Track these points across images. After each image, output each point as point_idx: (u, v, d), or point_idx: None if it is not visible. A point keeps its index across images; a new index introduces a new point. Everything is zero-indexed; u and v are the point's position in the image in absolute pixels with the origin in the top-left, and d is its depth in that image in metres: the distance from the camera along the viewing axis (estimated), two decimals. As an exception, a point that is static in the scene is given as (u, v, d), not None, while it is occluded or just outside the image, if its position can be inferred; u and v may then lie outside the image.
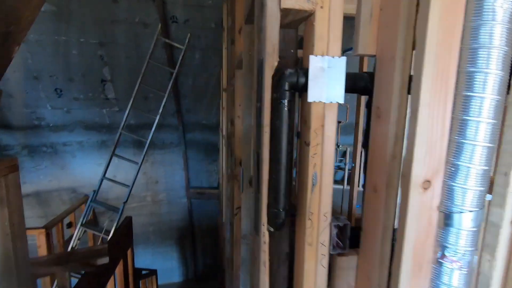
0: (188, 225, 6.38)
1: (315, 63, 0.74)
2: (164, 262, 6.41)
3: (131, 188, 3.47)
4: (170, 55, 3.79)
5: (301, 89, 0.78)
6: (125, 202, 3.39)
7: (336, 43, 0.74)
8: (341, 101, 0.77)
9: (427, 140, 0.62)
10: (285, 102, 0.77)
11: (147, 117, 4.06)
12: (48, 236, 3.71)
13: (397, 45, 0.69)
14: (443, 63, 0.60)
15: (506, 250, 0.75)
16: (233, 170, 2.16)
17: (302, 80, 0.76)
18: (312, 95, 0.76)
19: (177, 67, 3.55)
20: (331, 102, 0.77)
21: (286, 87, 0.76)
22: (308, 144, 0.79)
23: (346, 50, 3.09)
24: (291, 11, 0.71)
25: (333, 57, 0.74)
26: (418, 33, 0.62)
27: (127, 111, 3.44)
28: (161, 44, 3.61)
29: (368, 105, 0.86)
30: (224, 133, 3.18)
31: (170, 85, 3.59)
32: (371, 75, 0.81)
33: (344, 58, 0.75)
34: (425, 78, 0.60)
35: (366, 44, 0.77)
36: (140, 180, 5.31)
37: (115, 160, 3.68)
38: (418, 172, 0.63)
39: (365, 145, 0.87)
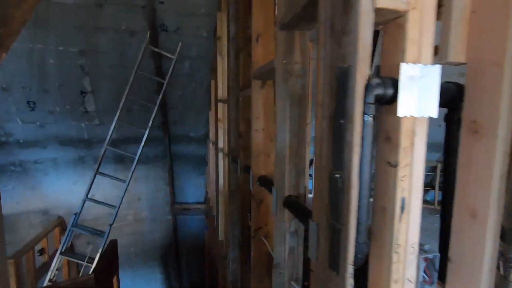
0: (172, 243, 6.02)
1: (406, 71, 0.64)
2: (146, 285, 5.97)
3: (118, 209, 3.17)
4: (158, 65, 3.58)
5: (387, 102, 0.67)
6: (111, 225, 3.08)
7: (429, 49, 0.65)
8: (435, 115, 0.67)
9: None
10: (370, 117, 0.66)
11: (131, 131, 3.79)
12: (18, 266, 3.28)
13: (506, 51, 0.60)
14: None
15: None
16: (243, 186, 2.01)
17: (389, 91, 0.66)
18: (402, 109, 0.65)
19: (167, 77, 3.36)
20: (423, 117, 0.67)
21: (372, 99, 0.65)
22: (394, 165, 0.68)
23: None
24: (382, 11, 0.61)
25: (425, 65, 0.65)
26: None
27: (113, 124, 3.18)
28: (149, 53, 3.40)
29: (450, 119, 0.77)
30: (222, 146, 3.02)
31: (160, 96, 3.38)
32: (458, 85, 0.72)
33: (439, 67, 0.65)
34: None
35: (456, 50, 0.68)
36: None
37: (91, 177, 3.35)
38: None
39: (447, 162, 0.77)
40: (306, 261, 1.23)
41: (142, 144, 3.38)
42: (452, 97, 0.72)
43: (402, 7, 0.62)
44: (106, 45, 3.23)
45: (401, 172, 0.68)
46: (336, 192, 0.69)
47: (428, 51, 0.65)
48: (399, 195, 0.68)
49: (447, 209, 0.78)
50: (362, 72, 0.61)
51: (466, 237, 0.71)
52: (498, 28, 0.62)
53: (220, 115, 3.13)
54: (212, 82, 3.97)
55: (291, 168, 1.18)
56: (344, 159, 0.65)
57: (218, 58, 3.12)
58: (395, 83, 0.65)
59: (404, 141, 0.67)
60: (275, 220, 1.21)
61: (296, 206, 1.10)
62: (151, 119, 3.37)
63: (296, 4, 0.92)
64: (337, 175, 0.68)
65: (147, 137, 4.53)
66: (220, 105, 3.09)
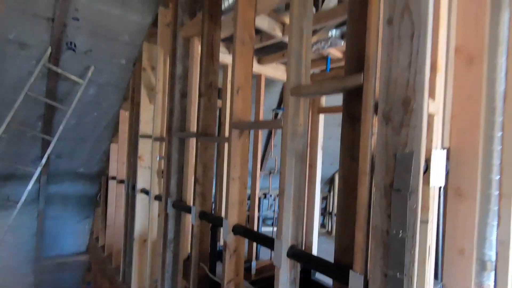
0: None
1: (434, 155, 0.91)
2: None
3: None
4: (53, 87, 2.91)
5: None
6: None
7: (440, 139, 0.95)
8: (443, 185, 0.96)
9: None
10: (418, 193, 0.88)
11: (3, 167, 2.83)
12: None
13: (479, 144, 0.96)
14: (523, 165, 0.90)
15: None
16: (198, 234, 1.89)
17: (424, 167, 0.91)
18: (433, 181, 0.91)
19: (74, 103, 2.77)
20: (436, 186, 0.95)
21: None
22: (426, 222, 0.92)
23: (280, 108, 3.41)
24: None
25: (439, 149, 0.94)
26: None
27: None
28: (42, 72, 2.75)
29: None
30: (142, 187, 2.68)
31: (62, 125, 2.72)
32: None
33: (445, 151, 0.96)
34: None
35: (446, 140, 1.01)
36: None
37: None
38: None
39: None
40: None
41: (31, 183, 2.59)
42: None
43: (433, 112, 0.90)
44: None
45: (429, 226, 0.92)
46: (398, 247, 0.85)
47: (440, 140, 0.95)
48: (428, 245, 0.91)
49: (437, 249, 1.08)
50: (422, 157, 0.83)
51: (457, 269, 1.00)
52: (471, 127, 0.98)
53: (141, 152, 2.82)
54: (123, 112, 3.54)
55: (293, 220, 1.28)
56: (408, 221, 0.83)
57: (143, 90, 2.88)
58: (427, 161, 0.91)
59: (431, 204, 0.92)
60: (279, 271, 1.25)
61: (310, 258, 1.19)
62: (46, 154, 2.64)
63: (324, 86, 1.10)
64: (400, 234, 0.85)
65: (15, 174, 3.45)
66: (144, 141, 2.80)
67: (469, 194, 0.99)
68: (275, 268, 1.27)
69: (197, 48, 2.22)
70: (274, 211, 4.07)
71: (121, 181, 3.51)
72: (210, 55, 1.93)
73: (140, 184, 2.82)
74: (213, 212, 2.40)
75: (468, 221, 0.98)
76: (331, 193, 5.67)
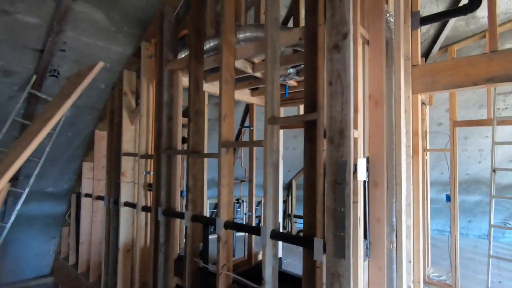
0: None
1: (359, 162, 1.52)
2: None
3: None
4: (31, 110, 3.05)
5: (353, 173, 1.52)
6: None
7: (362, 152, 1.57)
8: (365, 179, 1.58)
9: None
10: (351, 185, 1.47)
11: (-22, 191, 2.84)
12: None
13: (385, 153, 1.62)
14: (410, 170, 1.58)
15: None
16: (192, 235, 2.30)
17: (354, 169, 1.51)
18: (360, 177, 1.52)
19: (58, 127, 2.95)
20: (361, 180, 1.56)
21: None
22: (356, 202, 1.52)
23: (245, 126, 3.94)
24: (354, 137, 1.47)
25: (362, 158, 1.56)
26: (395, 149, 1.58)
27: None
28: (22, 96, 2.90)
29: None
30: (126, 200, 2.97)
31: (49, 146, 2.88)
32: (367, 167, 1.69)
33: (365, 159, 1.58)
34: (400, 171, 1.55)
35: (366, 150, 1.66)
36: None
37: None
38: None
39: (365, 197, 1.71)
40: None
41: (17, 207, 2.68)
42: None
43: (356, 136, 1.52)
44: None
45: (358, 205, 1.53)
46: (341, 217, 1.43)
47: (362, 152, 1.58)
48: (358, 216, 1.52)
49: (365, 219, 1.70)
50: (352, 163, 1.42)
51: (376, 231, 1.63)
52: (379, 143, 1.63)
53: (124, 168, 3.11)
54: (98, 132, 3.74)
55: (273, 211, 1.81)
56: (346, 201, 1.42)
57: (124, 112, 3.18)
58: (355, 166, 1.52)
59: (359, 191, 1.53)
60: (265, 249, 1.75)
61: (287, 236, 1.72)
62: (33, 175, 2.77)
63: (296, 118, 1.67)
64: (342, 209, 1.43)
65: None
66: (127, 158, 3.09)
67: (380, 184, 1.63)
68: (262, 248, 1.78)
69: (180, 79, 2.67)
70: (245, 214, 4.56)
71: (99, 197, 3.67)
72: (196, 88, 2.40)
73: (123, 198, 3.09)
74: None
75: (381, 201, 1.62)
76: (290, 198, 6.34)
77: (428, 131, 3.98)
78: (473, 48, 3.86)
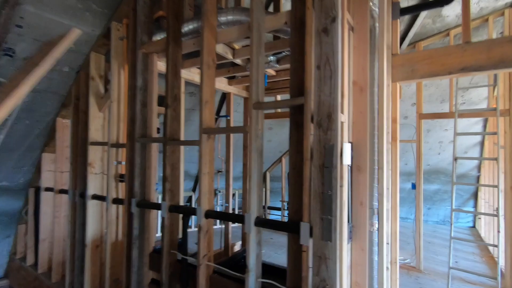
0: None
1: (345, 146, 1.54)
2: None
3: None
4: (-19, 94, 2.70)
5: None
6: None
7: (346, 137, 1.58)
8: (350, 163, 1.60)
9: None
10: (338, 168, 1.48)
11: None
12: None
13: (367, 139, 1.66)
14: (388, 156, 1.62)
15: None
16: (169, 227, 2.20)
17: (340, 153, 1.52)
18: (345, 161, 1.54)
19: (15, 114, 2.64)
20: (347, 164, 1.58)
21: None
22: (342, 186, 1.54)
23: (222, 115, 3.85)
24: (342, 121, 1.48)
25: (347, 143, 1.58)
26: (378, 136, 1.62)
27: None
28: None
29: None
30: (93, 192, 2.77)
31: (3, 134, 2.56)
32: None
33: (350, 144, 1.60)
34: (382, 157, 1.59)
35: (350, 136, 1.68)
36: None
37: None
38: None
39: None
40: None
41: None
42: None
43: (343, 120, 1.53)
44: None
45: (344, 189, 1.55)
46: (328, 201, 1.44)
47: (347, 137, 1.60)
48: (344, 200, 1.54)
49: (349, 203, 1.73)
50: (339, 147, 1.43)
51: (359, 215, 1.67)
52: (362, 129, 1.67)
53: (91, 159, 2.89)
54: (61, 120, 3.44)
55: (257, 197, 1.78)
56: (333, 184, 1.43)
57: (92, 99, 2.95)
58: (342, 150, 1.54)
59: (344, 175, 1.55)
60: (249, 236, 1.72)
61: (273, 222, 1.71)
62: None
63: (281, 103, 1.64)
64: (329, 192, 1.44)
65: None
66: (94, 148, 2.88)
67: (363, 169, 1.66)
68: (246, 235, 1.74)
69: (156, 63, 2.52)
70: (222, 205, 4.49)
71: (62, 191, 3.38)
72: (174, 72, 2.28)
73: (91, 191, 2.88)
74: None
75: (364, 185, 1.66)
76: (264, 189, 6.36)
77: (396, 123, 4.19)
78: (438, 45, 4.11)
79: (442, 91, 4.77)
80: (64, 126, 3.42)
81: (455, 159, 3.28)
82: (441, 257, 4.54)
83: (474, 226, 6.46)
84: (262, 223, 1.73)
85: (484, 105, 4.91)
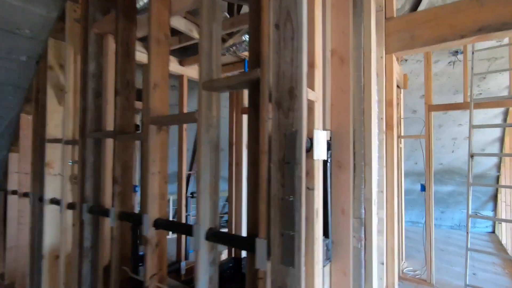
0: None
1: (316, 134, 1.13)
2: None
3: None
4: None
5: (307, 151, 1.12)
6: None
7: (321, 121, 1.17)
8: (325, 158, 1.19)
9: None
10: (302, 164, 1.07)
11: None
12: None
13: (350, 125, 1.24)
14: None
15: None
16: (118, 237, 1.84)
17: (308, 144, 1.11)
18: (316, 155, 1.12)
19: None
20: (319, 159, 1.17)
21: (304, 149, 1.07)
22: (312, 189, 1.13)
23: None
24: (308, 100, 1.06)
25: (320, 130, 1.16)
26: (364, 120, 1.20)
27: None
28: None
29: (326, 160, 1.33)
30: (50, 197, 2.44)
31: None
32: (328, 142, 1.31)
33: (325, 132, 1.19)
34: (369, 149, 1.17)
35: (327, 124, 1.27)
36: None
37: None
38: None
39: (324, 184, 1.32)
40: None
41: None
42: (327, 148, 1.30)
43: (313, 99, 1.12)
44: None
45: (315, 192, 1.14)
46: (290, 210, 1.03)
47: (321, 123, 1.18)
48: (315, 207, 1.13)
49: (325, 211, 1.32)
50: (304, 134, 1.03)
51: (341, 226, 1.25)
52: (344, 113, 1.25)
53: (49, 158, 2.56)
54: (25, 116, 3.14)
55: (211, 204, 1.38)
56: (296, 187, 1.02)
57: (50, 91, 2.63)
58: (311, 140, 1.12)
59: (316, 174, 1.14)
60: (199, 254, 1.33)
61: (227, 236, 1.31)
62: None
63: (232, 79, 1.24)
64: (290, 198, 1.03)
65: None
66: (52, 146, 2.55)
67: (346, 166, 1.25)
68: (194, 253, 1.35)
69: (111, 45, 2.16)
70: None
71: (25, 194, 3.08)
72: (126, 53, 1.91)
73: (49, 194, 2.54)
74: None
75: (346, 187, 1.24)
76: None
77: (402, 116, 3.72)
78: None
79: (455, 80, 4.26)
80: (29, 123, 3.12)
81: (471, 156, 2.79)
82: (456, 268, 4.02)
83: (493, 232, 5.86)
84: (216, 236, 1.33)
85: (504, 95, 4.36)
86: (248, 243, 1.21)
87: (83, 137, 2.15)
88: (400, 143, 3.77)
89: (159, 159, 1.65)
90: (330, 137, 1.31)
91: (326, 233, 1.29)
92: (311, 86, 1.12)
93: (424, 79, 3.64)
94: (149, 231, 1.60)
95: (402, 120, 3.72)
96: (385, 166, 1.58)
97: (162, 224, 1.61)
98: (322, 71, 1.24)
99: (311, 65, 1.15)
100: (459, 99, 4.38)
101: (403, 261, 4.00)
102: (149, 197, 1.61)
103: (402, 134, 3.79)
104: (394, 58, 1.73)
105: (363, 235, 1.28)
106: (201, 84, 1.36)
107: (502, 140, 4.99)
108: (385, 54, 1.53)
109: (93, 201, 2.11)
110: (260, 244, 1.11)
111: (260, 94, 1.15)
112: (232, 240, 1.29)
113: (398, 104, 3.67)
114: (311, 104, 1.13)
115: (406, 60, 4.14)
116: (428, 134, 3.36)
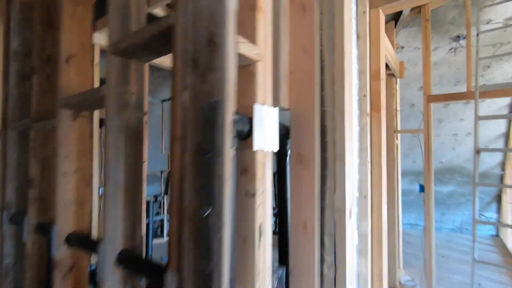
0: None
1: (258, 111, 0.74)
2: None
3: None
4: None
5: (244, 137, 0.73)
6: None
7: (270, 94, 0.78)
8: (276, 149, 0.79)
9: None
10: (233, 150, 0.68)
11: None
12: None
13: (315, 99, 0.84)
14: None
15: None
16: (37, 254, 1.44)
17: (246, 127, 0.72)
18: (257, 144, 0.73)
19: None
20: (269, 151, 0.78)
21: (234, 134, 0.68)
22: (253, 195, 0.73)
23: (164, 100, 3.11)
24: (241, 57, 0.68)
25: (269, 107, 0.77)
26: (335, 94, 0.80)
27: None
28: None
29: (280, 152, 0.94)
30: None
31: None
32: (285, 126, 0.91)
33: (277, 109, 0.80)
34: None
35: (284, 99, 0.87)
36: None
37: None
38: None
39: (280, 185, 0.93)
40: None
41: None
42: (281, 135, 0.90)
43: (255, 57, 0.73)
44: None
45: (258, 200, 0.74)
46: (205, 230, 0.64)
47: (270, 96, 0.79)
48: (257, 223, 0.73)
49: (283, 225, 0.93)
50: (230, 107, 0.64)
51: (301, 248, 0.86)
52: (310, 85, 0.86)
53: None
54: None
55: (126, 215, 0.99)
56: (215, 194, 0.63)
57: (-18, 76, 2.22)
58: (250, 121, 0.73)
59: (259, 172, 0.75)
60: (105, 285, 0.93)
61: (137, 262, 0.91)
62: None
63: (140, 33, 0.85)
64: (206, 213, 0.64)
65: None
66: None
67: (310, 160, 0.85)
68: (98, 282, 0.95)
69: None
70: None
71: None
72: (46, 21, 1.52)
73: None
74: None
75: (310, 191, 0.85)
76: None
77: (398, 109, 3.34)
78: (450, 8, 3.24)
79: (456, 70, 3.87)
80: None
81: (477, 151, 2.41)
82: (458, 277, 3.63)
83: (497, 235, 5.48)
84: (128, 261, 0.94)
85: None
86: (160, 275, 0.81)
87: (5, 129, 1.75)
88: (397, 139, 3.39)
89: (75, 154, 1.26)
90: (290, 119, 0.92)
91: (285, 259, 0.90)
92: (250, 36, 0.73)
93: (422, 66, 3.26)
94: (60, 249, 1.20)
95: (398, 113, 3.34)
96: (369, 162, 1.19)
97: (76, 241, 1.21)
98: (273, 19, 0.84)
99: (252, 7, 0.75)
100: (461, 90, 4.00)
101: (400, 269, 3.62)
102: (59, 204, 1.21)
103: (399, 128, 3.41)
104: (382, 15, 1.34)
105: (333, 259, 0.90)
106: (110, 46, 0.97)
107: (507, 135, 4.61)
108: (369, 8, 1.14)
109: (17, 207, 1.71)
110: (170, 280, 0.71)
111: (173, 50, 0.75)
112: (146, 269, 0.89)
113: (393, 95, 3.29)
114: (250, 64, 0.74)
115: (402, 48, 3.76)
116: (427, 127, 2.97)
